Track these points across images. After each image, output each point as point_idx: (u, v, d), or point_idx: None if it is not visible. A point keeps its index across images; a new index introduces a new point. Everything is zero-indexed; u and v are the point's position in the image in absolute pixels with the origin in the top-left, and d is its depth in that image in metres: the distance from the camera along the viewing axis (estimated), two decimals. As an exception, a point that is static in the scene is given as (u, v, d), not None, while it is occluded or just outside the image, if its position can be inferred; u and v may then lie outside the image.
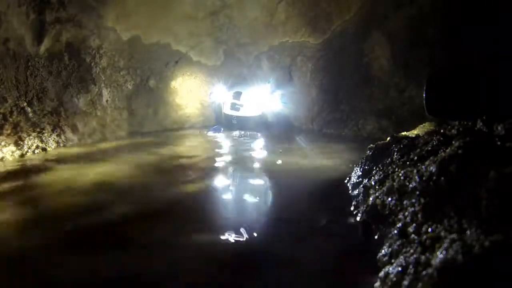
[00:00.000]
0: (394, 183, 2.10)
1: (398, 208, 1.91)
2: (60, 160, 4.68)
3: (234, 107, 8.10)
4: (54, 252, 2.02)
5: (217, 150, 5.46)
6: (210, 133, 7.53)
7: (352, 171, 3.16)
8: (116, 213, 2.60)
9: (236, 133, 7.40)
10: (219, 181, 3.70)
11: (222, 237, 2.15)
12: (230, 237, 2.14)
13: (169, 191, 3.19)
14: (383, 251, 1.68)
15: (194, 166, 4.28)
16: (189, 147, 5.97)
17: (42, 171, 3.98)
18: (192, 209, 2.79)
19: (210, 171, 4.09)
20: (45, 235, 2.23)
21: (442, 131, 2.37)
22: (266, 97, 8.01)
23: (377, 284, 1.46)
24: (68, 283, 1.71)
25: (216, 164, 4.40)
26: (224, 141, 6.66)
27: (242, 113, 8.05)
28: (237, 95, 8.27)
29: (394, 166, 2.43)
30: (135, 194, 3.16)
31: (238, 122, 7.94)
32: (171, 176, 3.79)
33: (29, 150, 5.21)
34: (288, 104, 7.96)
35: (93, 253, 1.99)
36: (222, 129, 7.83)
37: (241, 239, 2.11)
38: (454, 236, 1.32)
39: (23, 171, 4.07)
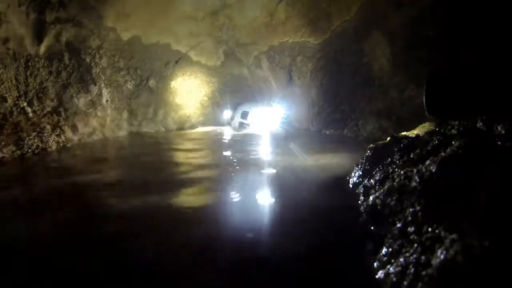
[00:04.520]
0: (394, 183, 2.10)
1: (398, 208, 1.91)
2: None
3: (241, 126, 9.09)
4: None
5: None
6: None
7: (352, 172, 3.16)
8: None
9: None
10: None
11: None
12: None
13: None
14: (383, 251, 1.68)
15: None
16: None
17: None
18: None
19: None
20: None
21: (442, 131, 2.37)
22: (270, 116, 8.86)
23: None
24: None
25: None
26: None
27: (248, 131, 8.86)
28: (244, 114, 9.37)
29: (394, 166, 2.43)
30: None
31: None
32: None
33: (29, 150, 5.21)
34: (290, 122, 8.54)
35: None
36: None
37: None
38: (454, 236, 1.31)
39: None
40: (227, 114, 9.93)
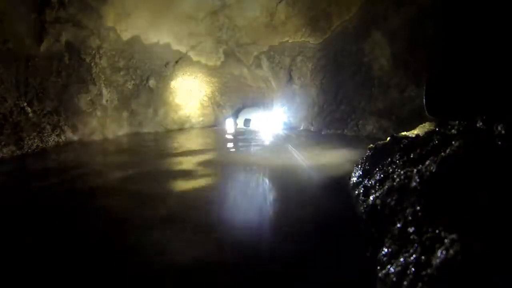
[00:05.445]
0: (394, 183, 2.10)
1: (398, 208, 1.91)
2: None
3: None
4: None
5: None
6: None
7: (352, 172, 3.16)
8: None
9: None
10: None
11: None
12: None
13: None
14: (383, 251, 1.68)
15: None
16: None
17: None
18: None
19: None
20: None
21: (442, 131, 2.37)
22: (272, 120, 9.05)
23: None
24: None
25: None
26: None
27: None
28: (247, 122, 9.71)
29: (394, 166, 2.42)
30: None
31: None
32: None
33: (29, 150, 5.21)
34: (290, 123, 8.59)
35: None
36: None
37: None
38: (454, 236, 1.31)
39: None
40: (229, 122, 10.25)
